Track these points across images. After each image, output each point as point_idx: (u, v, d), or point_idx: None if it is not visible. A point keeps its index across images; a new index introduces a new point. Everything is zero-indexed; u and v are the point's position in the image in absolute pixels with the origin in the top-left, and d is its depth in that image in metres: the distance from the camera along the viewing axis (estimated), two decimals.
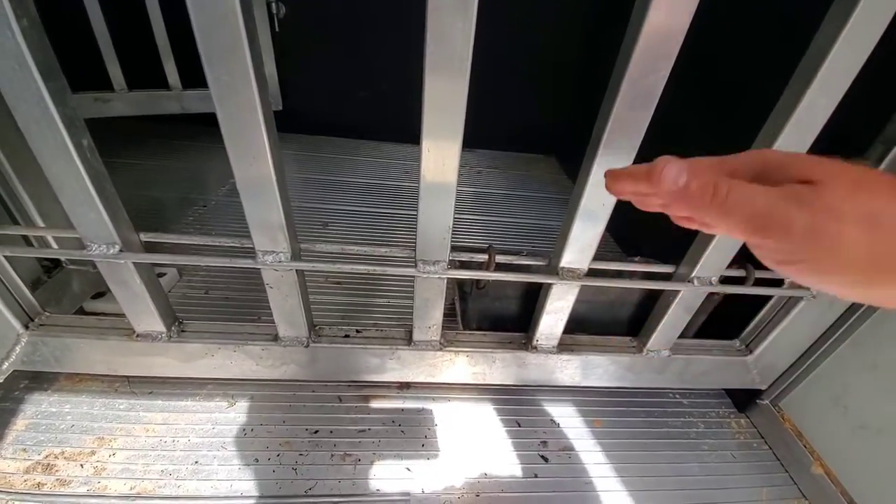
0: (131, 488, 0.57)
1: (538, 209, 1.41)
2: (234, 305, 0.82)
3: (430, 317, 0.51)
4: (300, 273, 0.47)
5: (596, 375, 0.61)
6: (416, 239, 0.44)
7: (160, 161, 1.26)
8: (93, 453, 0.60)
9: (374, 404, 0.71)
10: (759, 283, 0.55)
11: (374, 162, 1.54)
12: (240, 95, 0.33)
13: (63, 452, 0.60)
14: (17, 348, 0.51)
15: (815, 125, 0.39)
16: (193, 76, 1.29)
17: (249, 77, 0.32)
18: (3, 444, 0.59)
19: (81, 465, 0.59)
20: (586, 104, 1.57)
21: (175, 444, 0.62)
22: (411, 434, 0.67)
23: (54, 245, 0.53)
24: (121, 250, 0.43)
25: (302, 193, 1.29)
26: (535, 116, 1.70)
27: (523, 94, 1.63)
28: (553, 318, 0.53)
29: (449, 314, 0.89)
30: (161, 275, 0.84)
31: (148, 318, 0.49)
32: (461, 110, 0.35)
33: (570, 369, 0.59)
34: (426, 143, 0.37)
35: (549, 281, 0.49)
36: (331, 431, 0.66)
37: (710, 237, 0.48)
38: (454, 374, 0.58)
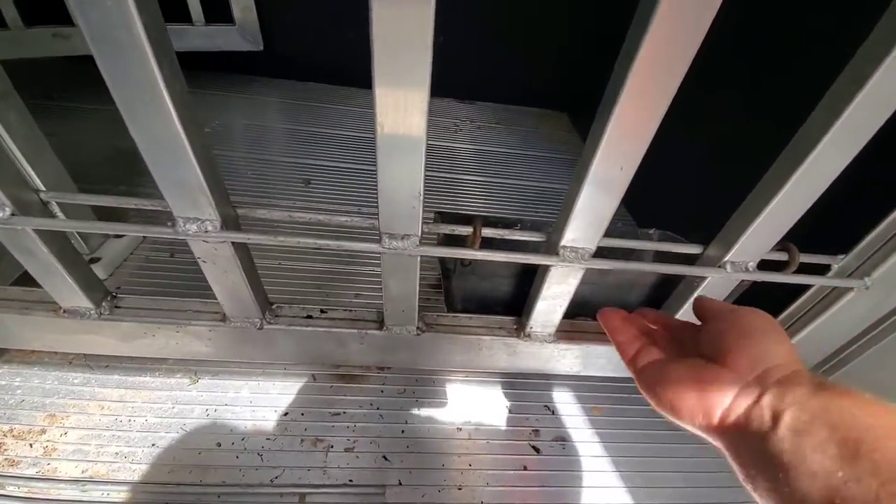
0: (83, 471, 0.52)
1: (545, 171, 1.28)
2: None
3: (403, 299, 0.43)
4: (240, 245, 0.38)
5: (598, 366, 0.53)
6: (378, 206, 0.35)
7: None
8: (43, 432, 0.55)
9: (352, 385, 0.65)
10: (802, 268, 0.45)
11: (364, 112, 1.40)
12: (110, 10, 0.23)
13: (12, 430, 0.55)
14: None
15: None
16: (169, 8, 1.14)
17: None
18: None
19: (31, 445, 0.54)
20: (606, 53, 1.39)
21: (131, 424, 0.57)
22: (391, 419, 0.61)
23: None
24: (12, 214, 0.35)
25: (284, 146, 1.17)
26: (546, 67, 1.52)
27: (533, 40, 1.44)
28: (551, 303, 0.45)
29: (436, 288, 0.81)
30: (119, 236, 0.76)
31: (69, 293, 0.42)
32: (427, 42, 0.25)
33: (569, 359, 0.52)
34: (380, 90, 0.27)
35: (548, 262, 0.39)
36: (302, 414, 0.60)
37: (754, 213, 0.37)
38: (433, 361, 0.51)
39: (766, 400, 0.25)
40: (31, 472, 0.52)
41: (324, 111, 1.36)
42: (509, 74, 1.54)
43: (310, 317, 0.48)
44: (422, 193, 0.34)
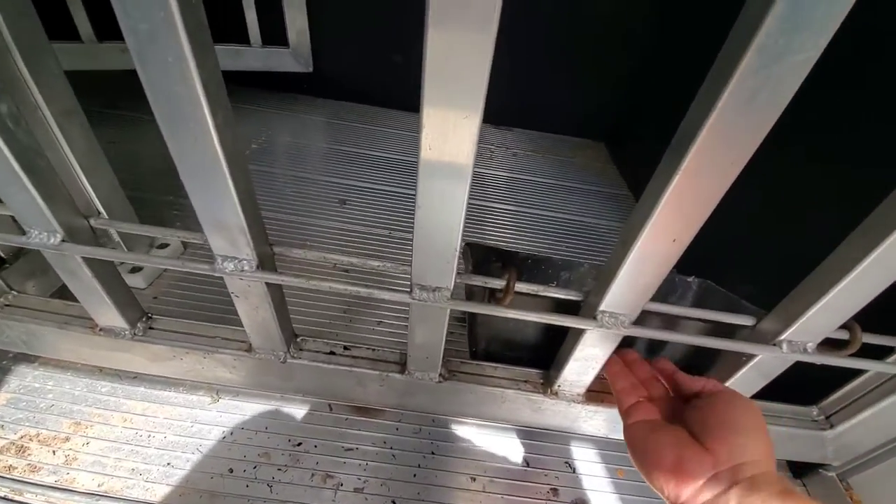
0: (99, 485, 0.53)
1: (579, 203, 1.25)
2: None
3: (428, 347, 0.42)
4: (273, 283, 0.38)
5: None
6: (412, 257, 0.34)
7: None
8: (67, 439, 0.57)
9: (367, 419, 0.63)
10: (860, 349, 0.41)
11: (403, 136, 1.42)
12: (165, 49, 0.23)
13: (38, 435, 0.57)
14: None
15: None
16: (228, 30, 1.21)
17: (176, 25, 0.22)
18: None
19: (54, 452, 0.55)
20: (647, 86, 1.37)
21: (150, 440, 0.57)
22: (403, 460, 0.59)
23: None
24: (63, 240, 0.36)
25: (324, 165, 1.20)
26: (585, 96, 1.50)
27: (572, 68, 1.43)
28: (583, 364, 0.42)
29: (461, 322, 0.79)
30: (164, 245, 0.79)
31: (107, 313, 0.43)
32: (483, 79, 0.24)
33: (597, 421, 0.49)
34: (427, 137, 0.26)
35: (584, 326, 0.37)
36: (315, 446, 0.59)
37: (820, 291, 0.34)
38: (453, 409, 0.49)
39: (735, 492, 0.28)
40: (50, 480, 0.53)
41: (364, 132, 1.39)
42: (547, 102, 1.53)
43: (332, 353, 0.47)
44: (458, 251, 0.32)
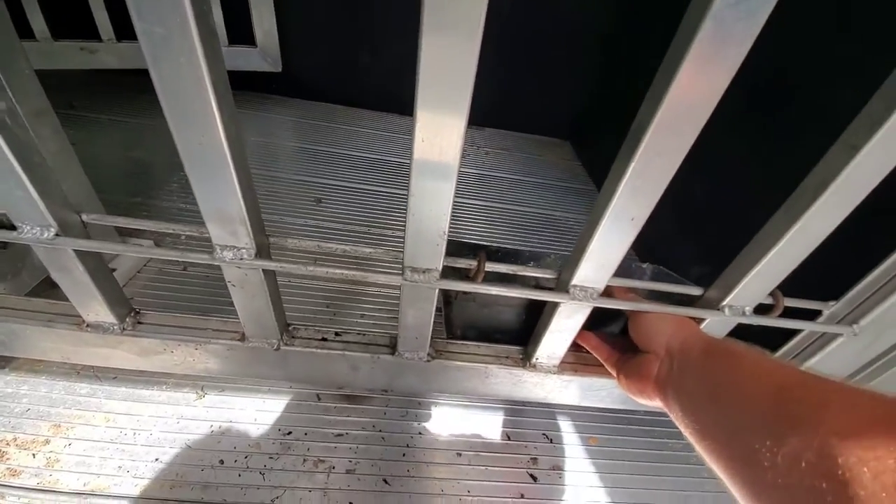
0: (84, 484, 0.53)
1: (547, 198, 1.32)
2: (216, 284, 0.76)
3: (418, 327, 0.45)
4: (269, 272, 0.40)
5: (598, 397, 0.55)
6: (404, 242, 0.37)
7: (149, 120, 1.16)
8: (47, 442, 0.56)
9: (355, 406, 0.66)
10: (791, 312, 0.48)
11: (376, 134, 1.44)
12: (179, 52, 0.25)
13: (16, 439, 0.55)
14: None
15: None
16: None
17: (189, 26, 0.24)
18: None
19: (34, 455, 0.54)
20: (610, 86, 1.46)
21: (136, 437, 0.57)
22: (392, 442, 0.62)
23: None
24: (57, 234, 0.36)
25: (296, 164, 1.20)
26: (552, 96, 1.58)
27: (541, 69, 1.51)
28: (557, 337, 0.47)
29: (440, 312, 0.83)
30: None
31: (96, 308, 0.43)
32: (469, 82, 0.28)
33: (571, 390, 0.53)
34: (421, 131, 0.30)
35: (559, 300, 0.42)
36: (305, 434, 0.61)
37: (753, 261, 0.40)
38: (440, 386, 0.52)
39: (674, 364, 0.38)
40: (32, 482, 0.52)
41: (336, 131, 1.40)
42: (516, 103, 1.60)
43: (325, 339, 0.49)
44: (446, 233, 0.36)
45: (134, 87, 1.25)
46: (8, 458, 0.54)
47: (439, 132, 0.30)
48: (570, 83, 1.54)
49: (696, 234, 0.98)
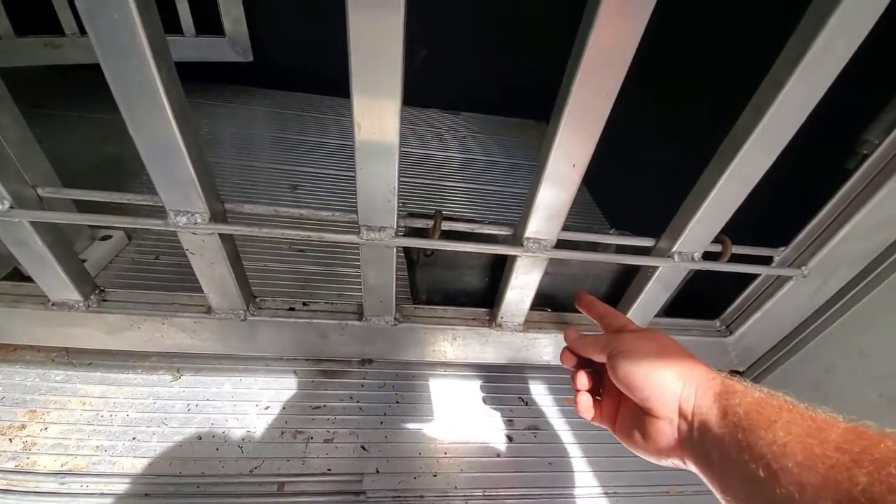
0: (62, 465, 0.53)
1: (525, 178, 1.33)
2: (188, 272, 0.76)
3: (381, 289, 0.46)
4: (227, 237, 0.41)
5: None
6: (356, 201, 0.38)
7: (118, 115, 1.15)
8: (23, 427, 0.56)
9: (333, 380, 0.67)
10: (744, 259, 0.50)
11: (350, 122, 1.43)
12: (112, 9, 0.26)
13: None
14: None
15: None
16: (161, 19, 1.16)
17: None
18: None
19: (10, 440, 0.54)
20: None
21: (112, 418, 0.58)
22: (370, 411, 0.63)
23: None
24: (11, 207, 0.37)
25: (272, 153, 1.20)
26: (526, 80, 1.59)
27: (513, 55, 1.51)
28: (519, 293, 0.48)
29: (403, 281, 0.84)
30: (106, 238, 0.77)
31: (60, 286, 0.44)
32: (398, 53, 0.28)
33: (538, 348, 0.55)
34: (357, 94, 0.30)
35: (513, 253, 0.43)
36: (283, 408, 0.62)
37: (696, 205, 0.42)
38: (410, 351, 0.54)
39: (694, 431, 0.31)
40: (9, 465, 0.52)
41: (312, 120, 1.40)
42: (492, 86, 1.61)
43: (292, 309, 0.50)
44: (396, 189, 0.37)
45: (101, 83, 1.23)
46: None
47: (375, 95, 0.31)
48: (543, 66, 1.55)
49: (669, 205, 1.00)
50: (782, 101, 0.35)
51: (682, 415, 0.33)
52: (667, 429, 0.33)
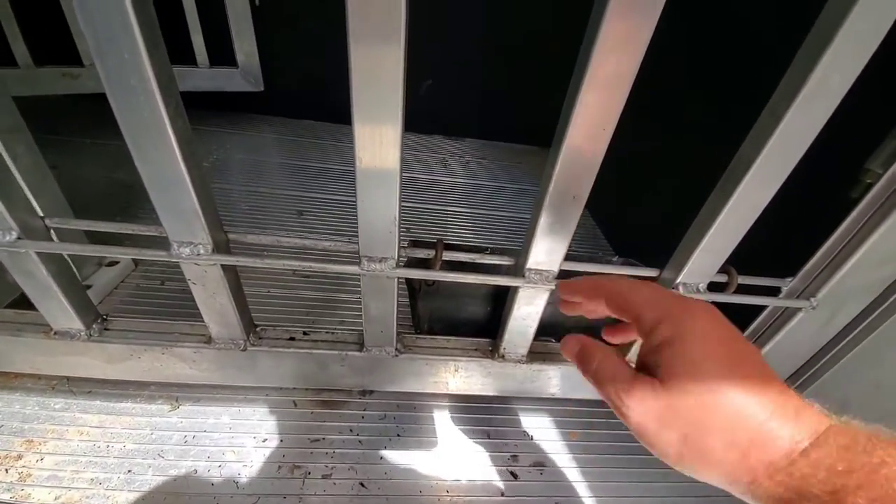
0: (56, 497, 0.52)
1: (528, 203, 1.34)
2: (192, 299, 0.76)
3: (382, 320, 0.46)
4: (229, 268, 0.41)
5: (571, 386, 0.55)
6: (357, 232, 0.38)
7: None
8: (20, 457, 0.55)
9: (332, 410, 0.65)
10: (751, 290, 0.49)
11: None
12: (122, 49, 0.27)
13: None
14: None
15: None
16: (170, 51, 1.22)
17: (131, 24, 0.26)
18: None
19: (6, 471, 0.54)
20: None
21: (109, 450, 0.57)
22: (369, 445, 0.62)
23: None
24: (18, 238, 0.37)
25: (279, 179, 1.22)
26: (528, 107, 1.62)
27: (516, 83, 1.55)
28: (521, 324, 0.48)
29: (405, 309, 0.83)
30: (113, 263, 0.78)
31: (63, 315, 0.44)
32: (398, 85, 0.29)
33: (542, 380, 0.54)
34: (359, 125, 0.31)
35: (515, 284, 0.43)
36: (281, 440, 0.60)
37: (700, 235, 0.41)
38: (411, 382, 0.53)
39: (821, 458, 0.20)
40: (4, 497, 0.51)
41: (318, 147, 1.43)
42: (494, 113, 1.64)
43: (292, 338, 0.50)
44: (398, 219, 0.37)
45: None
46: None
47: (377, 125, 0.31)
48: (546, 94, 1.58)
49: (676, 233, 0.99)
50: (780, 135, 0.35)
51: (752, 470, 0.22)
52: (780, 435, 0.21)
